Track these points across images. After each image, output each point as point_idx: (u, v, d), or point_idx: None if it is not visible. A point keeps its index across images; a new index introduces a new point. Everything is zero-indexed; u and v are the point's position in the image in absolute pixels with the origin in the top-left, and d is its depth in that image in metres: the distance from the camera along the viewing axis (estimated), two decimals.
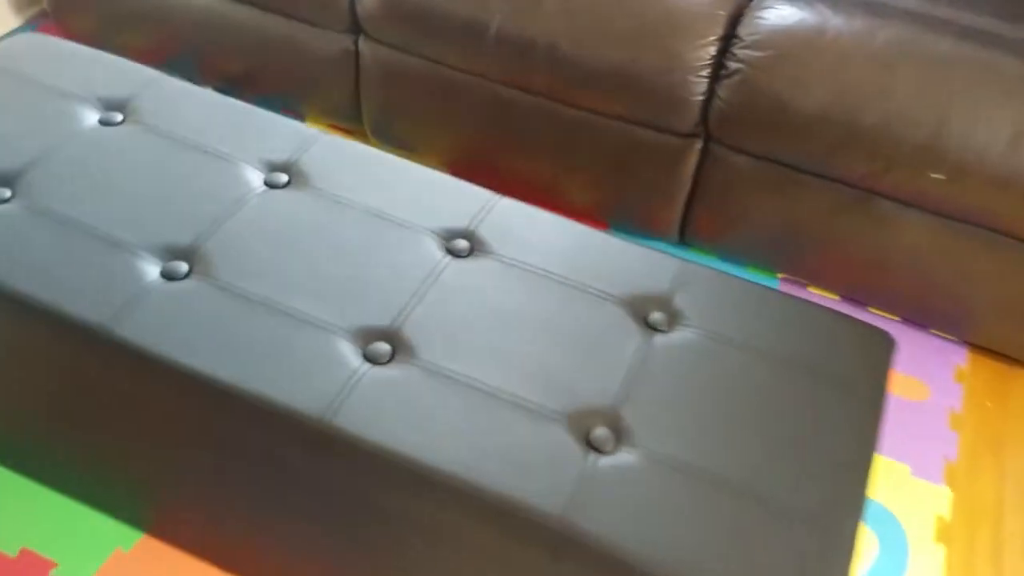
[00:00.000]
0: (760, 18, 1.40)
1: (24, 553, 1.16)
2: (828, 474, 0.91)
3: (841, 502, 0.89)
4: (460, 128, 1.68)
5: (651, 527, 0.83)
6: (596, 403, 0.92)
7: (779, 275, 1.71)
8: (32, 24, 2.03)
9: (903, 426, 1.50)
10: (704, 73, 1.42)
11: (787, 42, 1.36)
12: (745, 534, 0.84)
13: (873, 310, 1.68)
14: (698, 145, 1.52)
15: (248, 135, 1.13)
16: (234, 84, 1.85)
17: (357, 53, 1.68)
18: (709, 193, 1.58)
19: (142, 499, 1.15)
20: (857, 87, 1.34)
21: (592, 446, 0.89)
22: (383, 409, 0.88)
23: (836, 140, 1.38)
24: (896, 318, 1.67)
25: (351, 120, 1.80)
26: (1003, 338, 1.57)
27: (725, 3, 1.44)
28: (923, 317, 1.61)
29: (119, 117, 1.13)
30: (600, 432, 0.89)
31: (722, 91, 1.42)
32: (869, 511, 1.38)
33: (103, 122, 1.12)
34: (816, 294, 1.69)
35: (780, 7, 1.41)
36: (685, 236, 1.68)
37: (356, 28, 1.64)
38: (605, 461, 0.87)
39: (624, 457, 0.88)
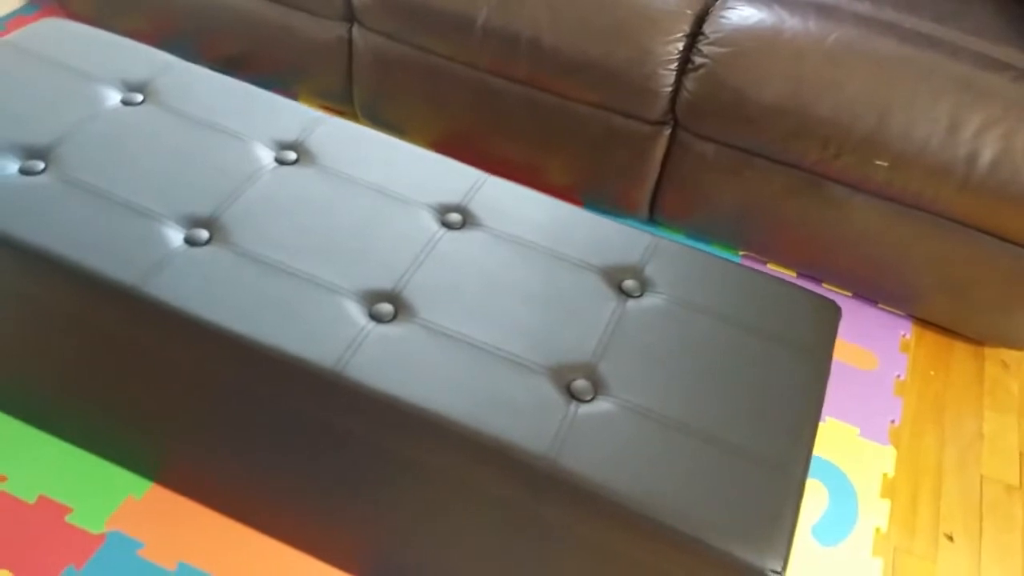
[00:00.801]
0: (724, 17, 1.51)
1: (41, 499, 1.25)
2: (781, 423, 1.02)
3: (792, 447, 1.00)
4: (447, 112, 1.76)
5: (624, 466, 0.94)
6: (576, 358, 1.03)
7: (741, 252, 1.82)
8: (35, 4, 2.08)
9: (853, 392, 1.62)
10: (672, 67, 1.52)
11: (747, 40, 1.48)
12: (707, 474, 0.95)
13: (827, 286, 1.80)
14: (667, 132, 1.63)
15: (259, 116, 1.22)
16: (231, 65, 1.92)
17: (350, 40, 1.75)
18: (677, 176, 1.68)
19: (154, 450, 1.24)
20: (810, 82, 1.45)
21: (573, 395, 1.00)
22: (387, 362, 0.99)
23: (791, 129, 1.49)
24: (848, 293, 1.80)
25: (342, 102, 1.88)
26: (944, 312, 1.69)
27: (693, 2, 1.54)
28: (872, 293, 1.72)
29: (139, 98, 1.22)
30: (580, 383, 1.01)
31: (689, 83, 1.53)
32: (821, 468, 1.50)
33: (125, 102, 1.21)
34: (775, 270, 1.81)
35: (742, 7, 1.52)
36: (654, 215, 1.78)
37: (350, 17, 1.72)
38: (584, 409, 0.99)
39: (601, 405, 1.00)
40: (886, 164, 1.47)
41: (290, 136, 1.21)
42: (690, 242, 1.82)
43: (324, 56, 1.79)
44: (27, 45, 1.27)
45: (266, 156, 1.18)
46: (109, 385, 1.16)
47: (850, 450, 1.53)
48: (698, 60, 1.51)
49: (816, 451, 1.52)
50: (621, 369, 1.03)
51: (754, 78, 1.47)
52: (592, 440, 0.96)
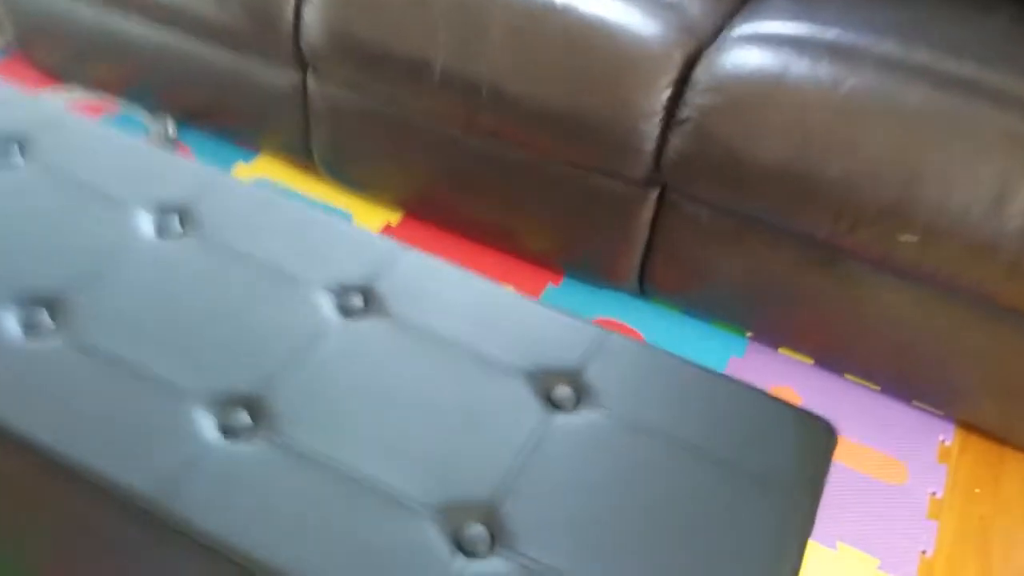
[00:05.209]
0: (717, 62, 1.30)
1: None
2: None
3: None
4: (411, 169, 1.62)
5: None
6: (474, 495, 0.81)
7: (748, 334, 1.60)
8: (2, 50, 2.02)
9: (875, 512, 1.37)
10: (657, 120, 1.32)
11: (742, 89, 1.26)
12: None
13: (850, 377, 1.55)
14: (654, 193, 1.43)
15: (142, 177, 1.05)
16: (192, 116, 1.82)
17: (305, 89, 1.63)
18: (668, 243, 1.49)
19: None
20: (817, 139, 1.24)
21: (461, 547, 0.77)
22: (229, 493, 0.78)
23: (795, 194, 1.28)
24: (876, 387, 1.55)
25: (302, 156, 1.75)
26: (994, 416, 1.45)
27: (682, 44, 1.33)
28: (905, 388, 1.49)
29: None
30: (473, 531, 0.78)
31: (675, 139, 1.33)
32: None
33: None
34: (788, 356, 1.58)
35: (741, 50, 1.30)
36: (644, 286, 1.58)
37: (303, 62, 1.59)
38: (474, 568, 0.76)
39: (496, 565, 0.76)
40: (915, 239, 1.24)
41: (176, 200, 1.03)
42: (688, 320, 1.61)
43: (279, 106, 1.67)
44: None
45: (146, 225, 1.00)
46: None
47: None
48: (685, 112, 1.31)
49: None
50: (532, 512, 0.80)
51: (749, 134, 1.27)
52: None
